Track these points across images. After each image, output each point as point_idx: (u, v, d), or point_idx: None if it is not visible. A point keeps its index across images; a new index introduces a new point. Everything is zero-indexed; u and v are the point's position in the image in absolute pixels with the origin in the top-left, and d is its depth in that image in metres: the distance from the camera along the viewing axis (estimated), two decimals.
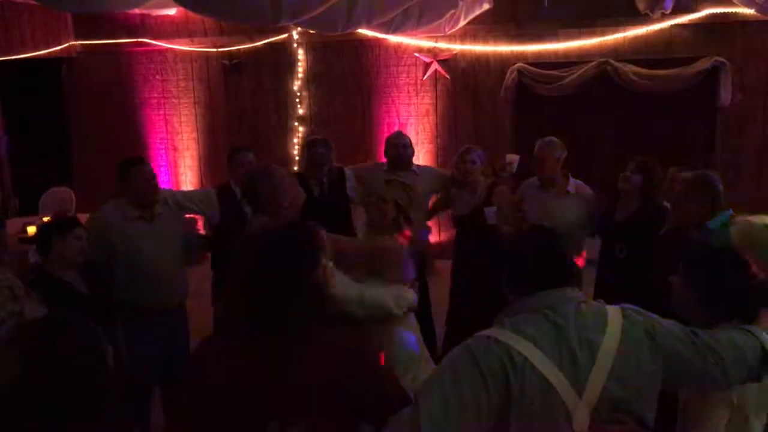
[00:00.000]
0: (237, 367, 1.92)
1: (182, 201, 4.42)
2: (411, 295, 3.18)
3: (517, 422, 1.72)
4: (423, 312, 4.15)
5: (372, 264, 3.28)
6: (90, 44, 8.84)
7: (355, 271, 3.17)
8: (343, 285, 2.94)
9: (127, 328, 3.73)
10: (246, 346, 1.94)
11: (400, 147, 4.95)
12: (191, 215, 4.77)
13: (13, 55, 8.11)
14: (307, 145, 5.00)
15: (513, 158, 4.79)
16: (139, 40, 8.61)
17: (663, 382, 1.85)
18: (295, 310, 1.93)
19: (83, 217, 4.26)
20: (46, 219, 5.68)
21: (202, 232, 4.42)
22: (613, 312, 1.87)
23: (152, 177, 4.00)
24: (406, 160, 4.96)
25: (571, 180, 4.53)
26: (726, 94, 6.88)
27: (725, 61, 6.83)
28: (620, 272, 4.10)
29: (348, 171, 4.98)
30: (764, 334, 1.98)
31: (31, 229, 6.11)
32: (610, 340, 1.79)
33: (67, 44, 8.80)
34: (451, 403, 1.71)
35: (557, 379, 1.73)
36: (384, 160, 5.14)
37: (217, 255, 4.67)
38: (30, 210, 8.01)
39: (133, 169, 3.94)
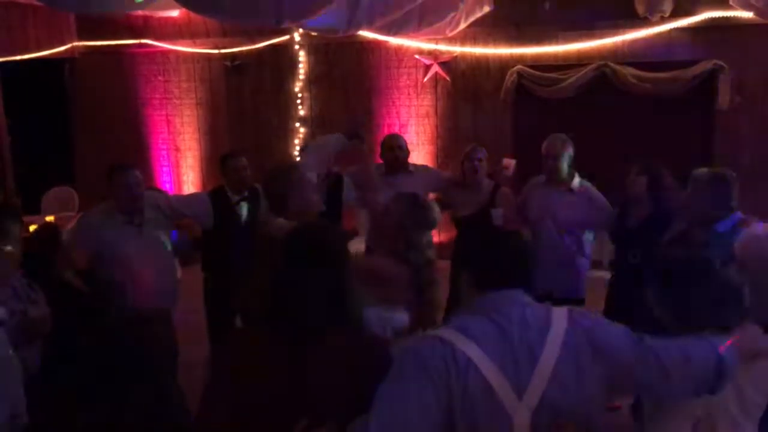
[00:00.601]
0: (261, 366, 1.94)
1: (176, 206, 4.42)
2: (401, 319, 2.95)
3: (461, 422, 1.73)
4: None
5: (365, 280, 3.20)
6: (93, 45, 8.89)
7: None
8: None
9: (112, 332, 3.72)
10: (270, 346, 1.96)
11: (396, 149, 4.96)
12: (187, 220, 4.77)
13: (16, 56, 8.15)
14: (303, 151, 4.96)
15: (509, 162, 4.81)
16: (142, 41, 8.65)
17: (609, 387, 1.83)
18: (320, 310, 1.96)
19: None
20: (49, 219, 5.71)
21: (196, 235, 4.43)
22: (558, 316, 1.86)
23: (136, 184, 3.98)
24: (401, 161, 4.96)
25: (576, 177, 4.54)
26: (724, 97, 6.91)
27: (723, 64, 6.86)
28: (635, 277, 4.07)
29: (346, 178, 4.96)
30: (724, 345, 1.90)
31: (34, 229, 6.13)
32: (552, 345, 1.79)
33: (70, 45, 8.84)
34: (399, 405, 1.72)
35: (498, 380, 1.74)
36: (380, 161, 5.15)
37: (208, 258, 4.67)
38: (33, 209, 8.05)
39: (116, 175, 3.95)
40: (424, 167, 5.49)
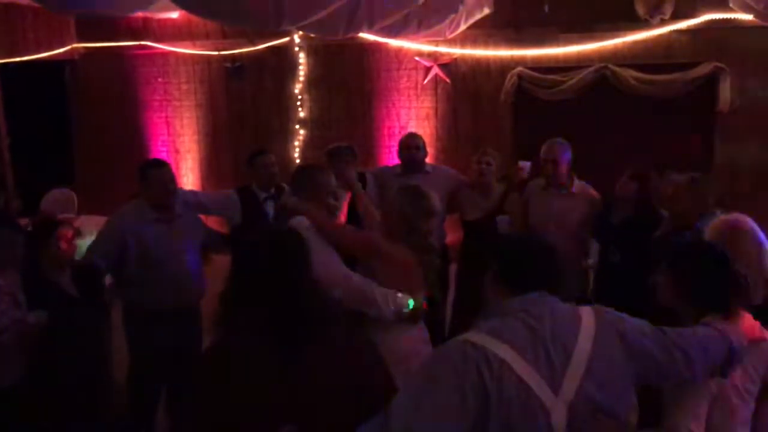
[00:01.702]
0: (247, 370, 1.93)
1: (204, 203, 4.48)
2: (404, 301, 3.04)
3: (495, 423, 1.74)
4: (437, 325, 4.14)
5: (383, 266, 3.17)
6: (93, 47, 8.88)
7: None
8: (331, 265, 2.96)
9: (140, 328, 3.73)
10: (255, 349, 1.95)
11: (412, 149, 4.99)
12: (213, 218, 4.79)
13: (16, 57, 8.15)
14: (330, 153, 4.84)
15: (525, 165, 4.83)
16: (142, 42, 8.65)
17: (636, 380, 1.90)
18: (303, 312, 1.95)
19: (92, 219, 4.30)
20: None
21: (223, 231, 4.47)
22: (586, 313, 1.92)
23: (170, 180, 4.01)
24: (418, 161, 4.98)
25: (576, 181, 4.54)
26: (725, 100, 6.91)
27: (724, 66, 6.86)
28: (614, 275, 4.13)
29: (369, 175, 4.97)
30: (733, 333, 2.05)
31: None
32: (584, 342, 1.84)
33: (69, 47, 8.83)
34: (425, 409, 1.72)
35: (534, 379, 1.77)
36: (398, 161, 5.15)
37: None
38: (32, 211, 8.04)
39: (151, 172, 3.97)
40: (442, 168, 5.46)
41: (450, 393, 1.74)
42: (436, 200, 3.29)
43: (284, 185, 4.73)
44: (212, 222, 5.01)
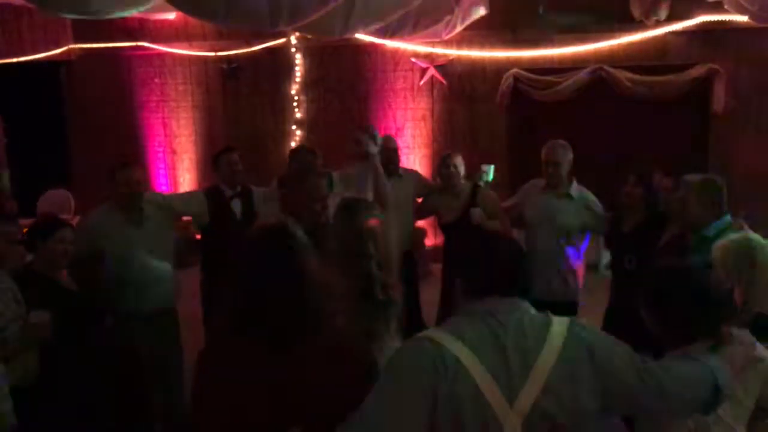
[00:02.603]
0: (239, 370, 1.94)
1: (174, 204, 4.45)
2: None
3: (447, 424, 1.71)
4: (413, 314, 4.15)
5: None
6: (89, 48, 8.88)
7: None
8: None
9: (116, 330, 3.70)
10: (246, 349, 1.95)
11: (391, 151, 4.97)
12: (185, 218, 4.78)
13: (12, 58, 8.16)
14: (292, 154, 4.84)
15: (485, 168, 4.86)
16: (138, 43, 8.66)
17: (603, 403, 1.81)
18: (296, 311, 1.95)
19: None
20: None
21: (196, 235, 4.45)
22: (559, 326, 1.83)
23: (136, 182, 3.98)
24: (394, 164, 4.97)
25: (574, 183, 4.56)
26: (719, 101, 6.94)
27: (719, 68, 6.90)
28: (631, 282, 4.09)
29: (335, 175, 4.93)
30: (721, 370, 1.93)
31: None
32: (548, 354, 1.77)
33: (66, 48, 8.84)
34: (383, 402, 1.72)
35: (488, 385, 1.72)
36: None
37: (206, 256, 4.69)
38: (28, 212, 8.03)
39: (117, 172, 3.95)
40: (413, 171, 5.48)
41: (405, 388, 1.72)
42: (375, 213, 2.88)
43: (251, 186, 4.73)
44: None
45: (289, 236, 2.06)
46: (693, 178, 3.64)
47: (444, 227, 4.90)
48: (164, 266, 4.10)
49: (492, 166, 4.85)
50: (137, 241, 3.94)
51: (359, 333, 2.24)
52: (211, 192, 4.60)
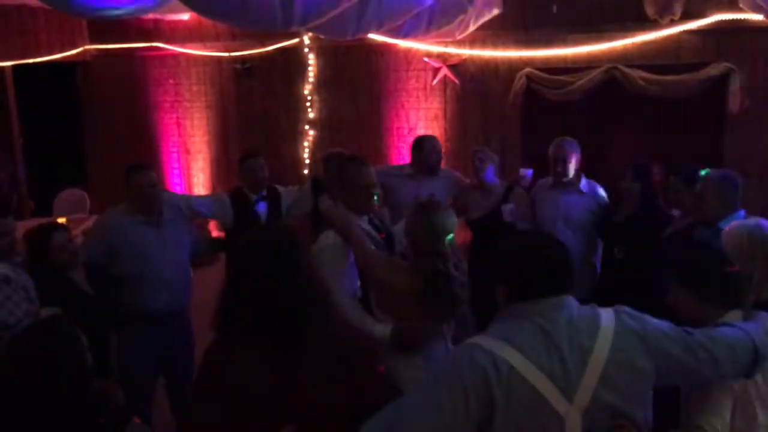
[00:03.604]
0: (243, 371, 1.95)
1: (195, 206, 4.47)
2: (380, 330, 2.85)
3: (503, 429, 1.72)
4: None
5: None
6: (104, 48, 8.95)
7: None
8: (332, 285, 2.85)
9: (127, 332, 3.71)
10: (247, 349, 1.96)
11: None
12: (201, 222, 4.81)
13: (28, 59, 8.23)
14: (329, 158, 4.75)
15: (525, 172, 4.84)
16: (153, 44, 8.72)
17: (656, 382, 1.86)
18: (295, 312, 1.95)
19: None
20: (61, 220, 5.74)
21: (214, 234, 4.46)
22: (606, 316, 1.87)
23: (153, 184, 3.98)
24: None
25: (583, 179, 4.55)
26: (735, 101, 6.88)
27: (734, 67, 6.84)
28: (619, 273, 4.14)
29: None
30: (759, 333, 2.01)
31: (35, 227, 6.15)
32: (602, 345, 1.80)
33: (81, 48, 8.91)
34: (428, 409, 1.72)
35: (545, 385, 1.74)
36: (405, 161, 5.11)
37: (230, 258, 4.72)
38: (45, 211, 8.12)
39: (134, 175, 3.95)
40: (448, 171, 5.44)
41: (453, 396, 1.72)
42: (451, 217, 2.96)
43: (277, 187, 4.74)
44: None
45: (290, 236, 2.07)
46: (712, 173, 3.66)
47: (471, 224, 4.85)
48: (181, 267, 4.12)
49: (531, 170, 4.83)
50: (155, 242, 3.95)
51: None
52: (236, 195, 4.61)
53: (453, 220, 2.96)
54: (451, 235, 2.88)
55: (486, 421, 1.73)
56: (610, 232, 4.29)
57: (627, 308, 1.94)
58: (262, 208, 4.58)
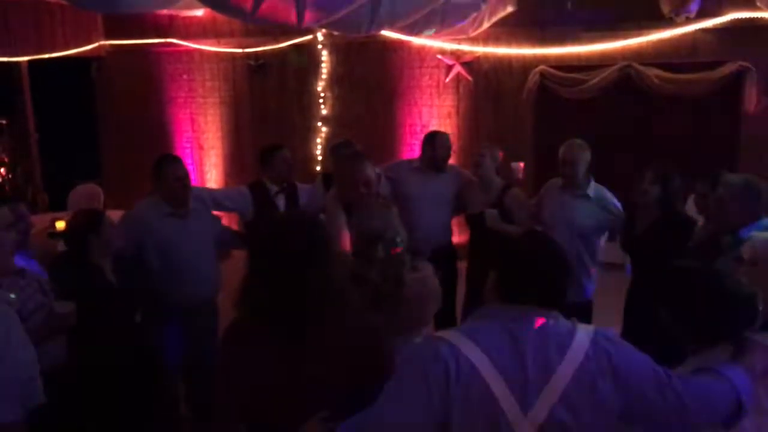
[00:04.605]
0: (252, 351, 1.99)
1: (219, 199, 4.53)
2: None
3: (458, 426, 1.70)
4: (447, 309, 4.13)
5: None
6: (119, 44, 9.01)
7: None
8: None
9: (153, 323, 3.76)
10: (260, 330, 2.00)
11: (449, 149, 5.00)
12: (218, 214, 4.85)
13: (44, 54, 8.29)
14: (334, 149, 4.89)
15: (517, 166, 4.83)
16: (167, 40, 8.76)
17: (622, 419, 1.79)
18: (309, 294, 1.97)
19: (118, 214, 4.35)
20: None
21: (236, 229, 4.51)
22: (582, 335, 1.80)
23: (183, 176, 4.02)
24: (447, 162, 5.00)
25: (592, 183, 4.52)
26: (751, 100, 6.83)
27: (750, 66, 6.79)
28: (647, 283, 4.06)
29: (379, 171, 4.96)
30: (745, 384, 1.91)
31: (60, 224, 6.21)
32: (568, 364, 1.74)
33: (97, 44, 8.97)
34: (393, 402, 1.72)
35: (502, 391, 1.70)
36: (413, 155, 5.13)
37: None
38: (59, 206, 8.18)
39: (164, 167, 3.99)
40: (455, 167, 5.44)
41: (416, 388, 1.70)
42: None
43: (296, 182, 4.79)
44: (226, 220, 5.06)
45: (311, 224, 2.09)
46: (735, 178, 3.59)
47: (468, 218, 4.87)
48: (207, 260, 4.15)
49: (522, 164, 4.83)
50: (182, 235, 3.98)
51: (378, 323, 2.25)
52: (256, 188, 4.65)
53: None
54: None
55: (443, 417, 1.71)
56: (632, 243, 4.21)
57: (610, 333, 1.86)
58: (280, 201, 4.61)
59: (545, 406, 1.71)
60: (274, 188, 4.62)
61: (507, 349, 1.75)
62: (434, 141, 4.97)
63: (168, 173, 3.98)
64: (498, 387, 1.70)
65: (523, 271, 1.85)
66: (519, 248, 1.95)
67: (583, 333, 1.81)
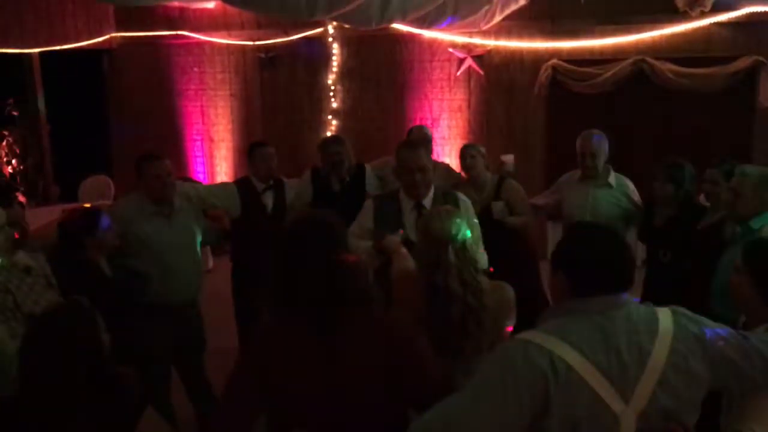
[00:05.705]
0: (285, 349, 2.01)
1: (204, 195, 4.46)
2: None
3: (557, 426, 1.70)
4: None
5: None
6: (130, 36, 9.02)
7: None
8: None
9: (140, 320, 3.71)
10: (293, 328, 2.02)
11: (429, 143, 4.95)
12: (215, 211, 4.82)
13: (55, 46, 8.31)
14: (322, 146, 4.80)
15: (507, 158, 4.79)
16: (178, 32, 8.76)
17: (712, 388, 1.83)
18: (338, 293, 1.99)
19: None
20: (86, 206, 5.77)
21: (226, 226, 4.48)
22: (664, 317, 1.82)
23: (165, 174, 3.94)
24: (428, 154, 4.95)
25: (612, 172, 4.49)
26: (765, 94, 6.77)
27: (765, 60, 6.72)
28: (667, 276, 4.05)
29: (368, 167, 4.93)
30: None
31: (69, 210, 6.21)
32: (661, 348, 1.75)
33: (108, 36, 8.99)
34: (483, 410, 1.70)
35: (602, 385, 1.70)
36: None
37: (236, 247, 4.74)
38: (70, 197, 8.22)
39: (146, 165, 3.92)
40: (441, 163, 5.40)
41: (505, 395, 1.68)
42: (452, 219, 2.68)
43: (283, 178, 4.74)
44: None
45: (329, 222, 2.10)
46: (751, 169, 3.55)
47: None
48: (191, 257, 4.12)
49: (512, 156, 4.80)
50: (166, 232, 3.94)
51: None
52: (243, 184, 4.63)
53: (457, 221, 2.62)
54: (461, 238, 2.60)
55: (539, 419, 1.70)
56: (652, 235, 4.21)
57: (684, 310, 1.88)
58: (268, 198, 4.58)
59: (645, 392, 1.72)
60: (260, 185, 4.58)
61: (599, 342, 1.74)
62: (410, 134, 4.98)
63: (148, 172, 3.91)
64: (599, 383, 1.70)
65: (593, 261, 1.83)
66: (580, 240, 1.94)
67: (665, 315, 1.83)
